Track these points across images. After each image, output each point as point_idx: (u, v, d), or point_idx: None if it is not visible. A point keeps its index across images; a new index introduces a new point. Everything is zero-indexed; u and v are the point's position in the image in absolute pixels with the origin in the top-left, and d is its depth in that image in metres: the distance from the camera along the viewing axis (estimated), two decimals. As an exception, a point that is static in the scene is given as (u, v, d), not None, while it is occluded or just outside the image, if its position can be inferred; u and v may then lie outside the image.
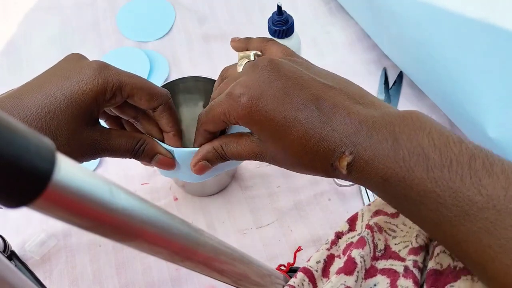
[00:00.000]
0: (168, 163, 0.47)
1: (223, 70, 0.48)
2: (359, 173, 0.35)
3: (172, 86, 0.54)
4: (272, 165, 0.64)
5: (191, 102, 0.58)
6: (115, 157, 0.46)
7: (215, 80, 0.54)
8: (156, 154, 0.46)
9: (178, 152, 0.46)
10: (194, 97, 0.58)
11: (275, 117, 0.38)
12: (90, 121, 0.42)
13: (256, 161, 0.65)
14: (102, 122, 0.47)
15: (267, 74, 0.39)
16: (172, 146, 0.47)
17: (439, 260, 0.38)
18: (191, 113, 0.59)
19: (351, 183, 0.59)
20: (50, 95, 0.41)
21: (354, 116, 0.36)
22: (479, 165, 0.31)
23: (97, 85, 0.41)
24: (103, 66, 0.43)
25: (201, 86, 0.56)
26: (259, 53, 0.45)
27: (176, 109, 0.50)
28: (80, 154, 0.43)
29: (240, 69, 0.44)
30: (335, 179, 0.60)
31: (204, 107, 0.58)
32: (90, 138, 0.42)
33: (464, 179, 0.31)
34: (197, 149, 0.46)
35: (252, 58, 0.45)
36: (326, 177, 0.40)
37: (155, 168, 0.49)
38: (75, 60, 0.44)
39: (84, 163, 0.45)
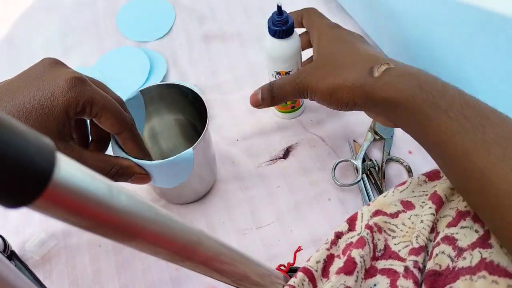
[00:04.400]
0: (144, 179, 0.49)
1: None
2: (389, 82, 0.43)
3: (138, 98, 0.54)
4: (272, 165, 0.65)
5: (157, 110, 0.58)
6: None
7: (183, 86, 0.54)
8: (133, 174, 0.47)
9: (151, 165, 0.48)
10: (162, 105, 0.58)
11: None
12: (61, 136, 0.41)
13: (256, 162, 0.66)
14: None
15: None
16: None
17: (438, 261, 0.38)
18: (161, 121, 0.60)
19: (351, 182, 0.59)
20: (20, 106, 0.40)
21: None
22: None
23: (69, 98, 0.40)
24: (78, 79, 0.41)
25: (164, 93, 0.56)
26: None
27: (146, 122, 0.53)
28: None
29: None
30: (335, 179, 0.60)
31: (173, 113, 0.59)
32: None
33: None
34: (166, 160, 0.48)
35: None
36: (351, 89, 0.45)
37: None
38: (51, 66, 0.43)
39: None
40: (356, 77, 0.45)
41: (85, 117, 0.43)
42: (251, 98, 0.53)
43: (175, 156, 0.48)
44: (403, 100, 0.41)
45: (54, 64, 0.43)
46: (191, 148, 0.49)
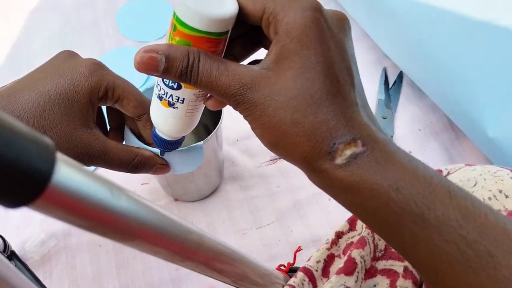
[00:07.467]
0: (164, 169, 0.48)
1: None
2: (352, 176, 0.28)
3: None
4: (272, 165, 0.65)
5: None
6: (108, 168, 0.44)
7: None
8: (154, 165, 0.47)
9: (171, 154, 0.47)
10: None
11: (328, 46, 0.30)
12: (85, 123, 0.42)
13: (256, 162, 0.66)
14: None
15: None
16: None
17: None
18: None
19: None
20: (44, 93, 0.40)
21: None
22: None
23: (91, 82, 0.41)
24: (97, 65, 0.42)
25: None
26: None
27: None
28: (72, 156, 0.40)
29: None
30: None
31: None
32: (83, 141, 0.41)
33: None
34: (188, 147, 0.46)
35: None
36: (301, 163, 0.30)
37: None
38: (68, 57, 0.43)
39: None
40: (309, 148, 0.29)
41: (107, 103, 0.43)
42: (143, 58, 0.31)
43: (187, 146, 0.48)
44: (372, 206, 0.28)
45: (71, 55, 0.44)
46: (202, 141, 0.49)
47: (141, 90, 0.47)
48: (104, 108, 0.47)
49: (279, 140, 0.30)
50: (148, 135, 0.46)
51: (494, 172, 0.39)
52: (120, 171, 0.45)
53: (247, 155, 0.66)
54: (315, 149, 0.29)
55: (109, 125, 0.49)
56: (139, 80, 0.72)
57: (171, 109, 0.36)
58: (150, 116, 0.46)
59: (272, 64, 0.30)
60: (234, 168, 0.65)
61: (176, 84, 0.35)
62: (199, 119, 0.39)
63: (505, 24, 0.53)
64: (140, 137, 0.47)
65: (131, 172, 0.45)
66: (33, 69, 0.43)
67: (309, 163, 0.29)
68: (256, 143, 0.67)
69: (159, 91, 0.36)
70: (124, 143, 0.49)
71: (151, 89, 0.53)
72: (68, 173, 0.20)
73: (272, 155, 0.65)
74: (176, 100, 0.36)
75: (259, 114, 0.30)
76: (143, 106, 0.44)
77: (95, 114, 0.43)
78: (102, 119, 0.48)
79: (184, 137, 0.43)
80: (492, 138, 0.55)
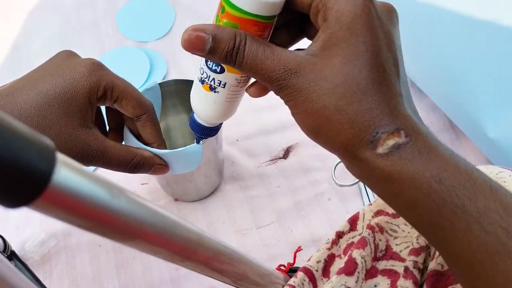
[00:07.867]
0: (163, 169, 0.48)
1: None
2: (394, 165, 0.28)
3: (155, 90, 0.54)
4: (272, 165, 0.65)
5: (174, 106, 0.58)
6: (107, 168, 0.44)
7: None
8: (153, 165, 0.47)
9: (170, 154, 0.47)
10: (179, 101, 0.57)
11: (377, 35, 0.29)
12: (84, 123, 0.41)
13: (256, 162, 0.66)
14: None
15: None
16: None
17: (440, 261, 0.38)
18: (176, 117, 0.59)
19: (351, 182, 0.59)
20: (43, 93, 0.40)
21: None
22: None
23: (90, 82, 0.41)
24: (97, 65, 0.42)
25: (182, 89, 0.55)
26: None
27: (161, 116, 0.50)
28: (71, 156, 0.40)
29: None
30: (335, 179, 0.59)
31: (186, 110, 0.58)
32: (82, 140, 0.41)
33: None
34: (186, 147, 0.46)
35: None
36: (341, 151, 0.30)
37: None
38: (68, 57, 0.44)
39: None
40: (351, 135, 0.29)
41: (106, 103, 0.43)
42: (190, 36, 0.30)
43: (186, 147, 0.48)
44: (412, 196, 0.28)
45: (71, 55, 0.44)
46: (201, 142, 0.49)
47: (140, 90, 0.47)
48: (103, 108, 0.47)
49: (321, 126, 0.30)
50: (147, 134, 0.46)
51: (496, 174, 0.39)
52: (119, 171, 0.45)
53: (247, 155, 0.66)
54: (357, 137, 0.29)
55: (108, 125, 0.49)
56: (138, 81, 0.72)
57: (212, 93, 0.36)
58: (152, 115, 0.46)
59: (319, 50, 0.30)
60: (234, 168, 0.65)
61: (219, 67, 0.35)
62: (237, 108, 0.39)
63: (505, 25, 0.53)
64: (139, 137, 0.47)
65: (130, 172, 0.45)
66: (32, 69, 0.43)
67: (350, 151, 0.29)
68: (256, 143, 0.67)
69: (202, 74, 0.36)
70: (123, 143, 0.49)
71: (150, 89, 0.53)
72: (68, 173, 0.20)
73: (272, 155, 0.65)
74: (218, 84, 0.35)
75: (302, 99, 0.30)
76: (142, 106, 0.44)
77: (94, 114, 0.43)
78: (101, 119, 0.47)
79: (221, 124, 0.43)
80: (492, 139, 0.55)
